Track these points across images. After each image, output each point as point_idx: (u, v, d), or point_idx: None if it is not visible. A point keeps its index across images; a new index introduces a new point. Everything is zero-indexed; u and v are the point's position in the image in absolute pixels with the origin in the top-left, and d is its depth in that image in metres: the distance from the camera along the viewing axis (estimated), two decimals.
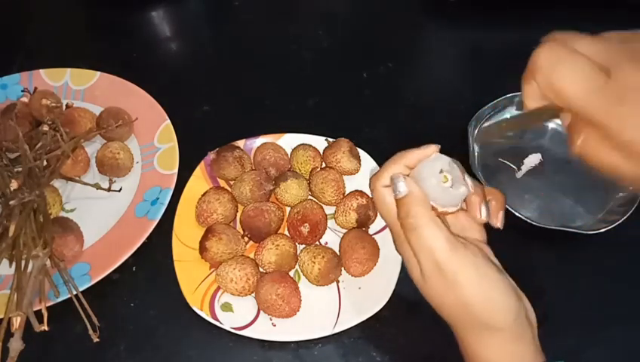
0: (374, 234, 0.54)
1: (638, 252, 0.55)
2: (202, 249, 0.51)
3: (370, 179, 0.38)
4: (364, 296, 0.50)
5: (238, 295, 0.49)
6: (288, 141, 0.59)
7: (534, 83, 0.29)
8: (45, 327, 0.44)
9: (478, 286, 0.33)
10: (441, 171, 0.35)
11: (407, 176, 0.36)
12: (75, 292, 0.48)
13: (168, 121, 0.61)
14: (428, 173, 0.35)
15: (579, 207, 0.56)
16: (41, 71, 0.66)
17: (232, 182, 0.57)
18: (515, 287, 0.35)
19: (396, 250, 0.38)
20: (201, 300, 0.49)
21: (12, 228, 0.49)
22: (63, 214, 0.56)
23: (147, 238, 0.53)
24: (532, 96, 0.30)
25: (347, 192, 0.56)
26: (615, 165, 0.28)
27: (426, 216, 0.34)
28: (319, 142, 0.59)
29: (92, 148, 0.60)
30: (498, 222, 0.37)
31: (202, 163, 0.58)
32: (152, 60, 0.72)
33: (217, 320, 0.48)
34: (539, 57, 0.29)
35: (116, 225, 0.55)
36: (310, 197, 0.56)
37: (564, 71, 0.28)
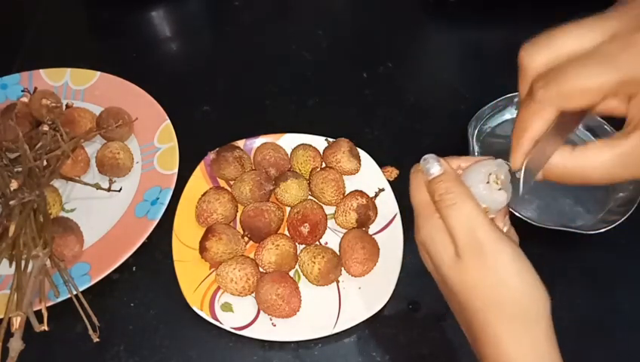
0: (374, 234, 0.54)
1: (638, 252, 0.55)
2: (202, 249, 0.51)
3: (413, 168, 0.36)
4: (364, 296, 0.50)
5: (238, 295, 0.49)
6: (288, 141, 0.59)
7: (544, 116, 0.28)
8: (45, 327, 0.44)
9: (517, 269, 0.31)
10: (491, 174, 0.34)
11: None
12: (75, 292, 0.48)
13: (168, 121, 0.61)
14: (477, 176, 0.34)
15: (579, 207, 0.56)
16: (41, 71, 0.66)
17: (232, 182, 0.57)
18: None
19: (421, 235, 0.34)
20: (201, 300, 0.49)
21: (12, 228, 0.49)
22: (63, 214, 0.56)
23: (147, 238, 0.53)
24: (539, 133, 0.29)
25: (347, 192, 0.56)
26: None
27: (466, 193, 0.32)
28: (319, 142, 0.59)
29: (92, 148, 0.60)
30: (505, 226, 0.36)
31: (202, 163, 0.58)
32: (152, 60, 0.72)
33: (217, 320, 0.48)
34: (531, 63, 0.28)
35: (116, 225, 0.55)
36: (310, 197, 0.56)
37: (574, 67, 0.26)
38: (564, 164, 0.29)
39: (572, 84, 0.26)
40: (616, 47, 0.25)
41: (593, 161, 0.28)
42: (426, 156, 0.34)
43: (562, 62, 0.27)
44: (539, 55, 0.28)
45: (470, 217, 0.31)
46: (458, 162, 0.35)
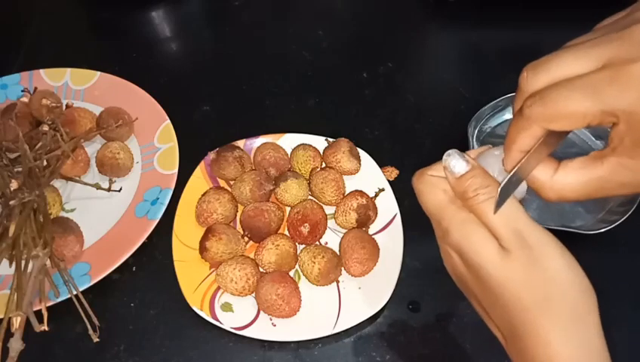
0: (374, 234, 0.54)
1: (638, 252, 0.55)
2: (202, 249, 0.51)
3: (415, 175, 0.34)
4: (364, 296, 0.50)
5: (238, 295, 0.49)
6: (288, 141, 0.59)
7: (532, 133, 0.29)
8: (45, 327, 0.44)
9: (565, 264, 0.30)
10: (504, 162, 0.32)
11: None
12: (75, 292, 0.48)
13: (168, 121, 0.61)
14: (494, 163, 0.33)
15: (579, 207, 0.56)
16: (41, 71, 0.66)
17: (232, 182, 0.57)
18: None
19: (449, 240, 0.32)
20: (201, 300, 0.49)
21: (12, 228, 0.49)
22: (63, 214, 0.56)
23: (147, 238, 0.53)
24: (526, 147, 0.30)
25: (347, 192, 0.56)
26: None
27: (499, 187, 0.30)
28: (319, 142, 0.59)
29: (92, 148, 0.60)
30: None
31: (202, 163, 0.58)
32: (152, 60, 0.72)
33: (217, 320, 0.48)
34: (533, 112, 0.28)
35: (116, 225, 0.55)
36: (310, 197, 0.56)
37: (559, 92, 0.27)
38: (544, 183, 0.31)
39: (556, 108, 0.27)
40: (603, 77, 0.26)
41: (571, 182, 0.29)
42: (449, 152, 0.32)
43: (553, 84, 0.27)
44: (536, 77, 0.28)
45: (512, 210, 0.30)
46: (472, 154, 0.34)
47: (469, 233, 0.31)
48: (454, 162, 0.32)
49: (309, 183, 0.56)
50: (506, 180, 0.31)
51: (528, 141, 0.30)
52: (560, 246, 0.30)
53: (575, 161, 0.29)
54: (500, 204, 0.31)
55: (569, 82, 0.27)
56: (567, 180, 0.30)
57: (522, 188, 0.33)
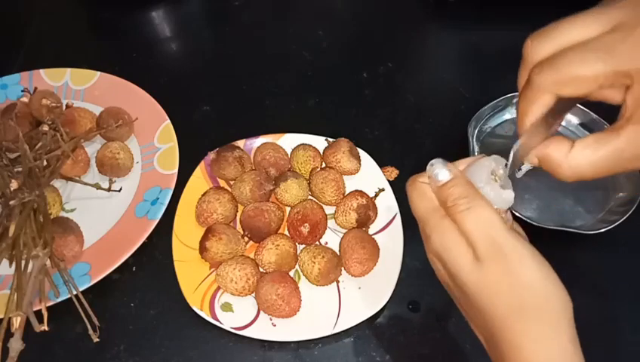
0: (374, 234, 0.54)
1: (638, 252, 0.55)
2: (202, 249, 0.51)
3: (408, 181, 0.35)
4: (364, 296, 0.50)
5: (238, 295, 0.49)
6: (288, 141, 0.59)
7: (542, 102, 0.29)
8: (45, 327, 0.44)
9: (539, 270, 0.30)
10: (493, 172, 0.33)
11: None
12: (75, 292, 0.48)
13: (168, 121, 0.61)
14: (482, 176, 0.33)
15: (579, 207, 0.56)
16: (41, 71, 0.66)
17: (232, 182, 0.57)
18: None
19: (431, 245, 0.33)
20: (201, 300, 0.49)
21: (12, 228, 0.49)
22: (63, 214, 0.56)
23: (147, 238, 0.53)
24: (538, 116, 0.29)
25: (347, 192, 0.56)
26: None
27: (479, 196, 0.31)
28: (319, 142, 0.59)
29: (92, 148, 0.60)
30: (508, 222, 0.35)
31: (202, 163, 0.58)
32: (152, 60, 0.72)
33: (217, 320, 0.48)
34: (541, 79, 0.28)
35: (116, 225, 0.55)
36: (310, 197, 0.56)
37: (570, 56, 0.26)
38: (560, 161, 0.29)
39: (567, 72, 0.26)
40: (615, 38, 0.25)
41: (587, 157, 0.28)
42: (432, 161, 0.33)
43: (562, 50, 0.27)
44: (541, 45, 0.28)
45: (488, 221, 0.30)
46: (463, 162, 0.35)
47: (447, 242, 0.32)
48: (437, 171, 0.33)
49: (309, 183, 0.56)
50: (511, 159, 0.31)
51: (540, 111, 0.29)
52: (536, 256, 0.30)
53: (590, 137, 0.28)
54: (511, 170, 0.31)
55: (580, 45, 0.26)
56: (583, 156, 0.29)
57: (509, 197, 0.33)
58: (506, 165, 0.33)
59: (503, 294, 0.30)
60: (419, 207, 0.34)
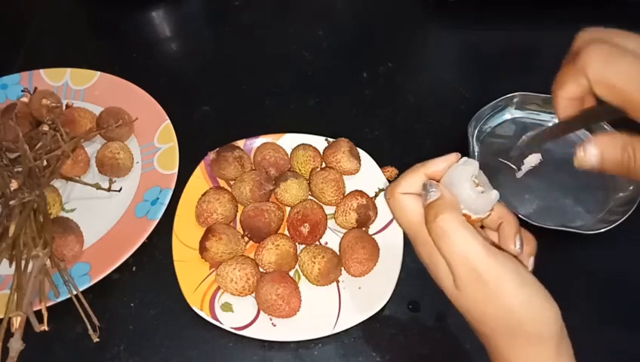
0: (374, 234, 0.54)
1: (638, 252, 0.55)
2: (202, 249, 0.51)
3: (386, 190, 0.35)
4: (364, 296, 0.50)
5: (238, 295, 0.49)
6: (288, 141, 0.59)
7: (579, 81, 0.29)
8: (45, 327, 0.44)
9: (522, 293, 0.30)
10: (472, 176, 0.33)
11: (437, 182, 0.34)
12: (75, 292, 0.48)
13: (168, 121, 0.61)
14: (460, 178, 0.33)
15: (579, 207, 0.56)
16: (41, 71, 0.66)
17: (232, 182, 0.57)
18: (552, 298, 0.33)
19: (422, 259, 0.34)
20: (201, 300, 0.49)
21: (12, 228, 0.49)
22: (63, 214, 0.56)
23: (147, 238, 0.53)
24: (572, 94, 0.29)
25: (347, 192, 0.56)
26: None
27: (456, 220, 0.31)
28: (319, 142, 0.59)
29: (92, 148, 0.60)
30: (515, 247, 0.35)
31: (202, 163, 0.58)
32: (152, 60, 0.72)
33: (217, 320, 0.48)
34: (590, 53, 0.28)
35: (116, 225, 0.55)
36: (310, 197, 0.56)
37: (619, 66, 0.27)
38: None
39: (620, 68, 0.27)
40: None
41: None
42: (425, 183, 0.33)
43: (623, 49, 0.27)
44: (599, 36, 0.29)
45: (462, 246, 0.30)
46: (433, 167, 0.34)
47: (435, 261, 0.32)
48: (427, 190, 0.33)
49: (309, 183, 0.56)
50: (519, 145, 0.31)
51: (574, 89, 0.29)
52: (519, 279, 0.30)
53: None
54: (529, 145, 0.31)
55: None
56: None
57: (492, 199, 0.33)
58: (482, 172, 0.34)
59: (485, 317, 0.31)
60: (403, 222, 0.34)
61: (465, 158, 0.34)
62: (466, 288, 0.31)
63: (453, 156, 0.34)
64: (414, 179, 0.34)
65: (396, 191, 0.34)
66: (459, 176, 0.33)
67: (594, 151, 0.28)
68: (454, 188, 0.33)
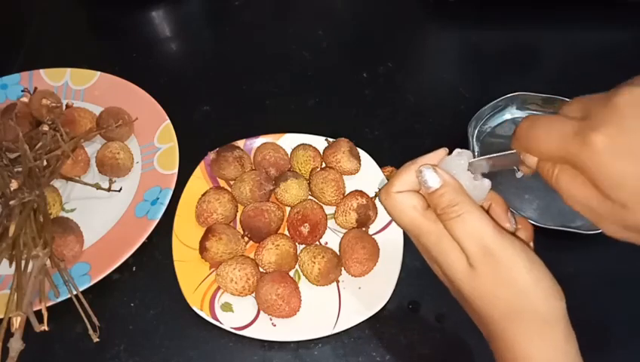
0: (374, 234, 0.54)
1: (638, 252, 0.55)
2: (202, 249, 0.51)
3: (380, 191, 0.36)
4: (364, 296, 0.50)
5: (238, 295, 0.49)
6: (288, 141, 0.59)
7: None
8: (45, 327, 0.44)
9: (531, 272, 0.31)
10: (467, 166, 0.34)
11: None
12: (75, 292, 0.48)
13: (168, 121, 0.61)
14: (457, 169, 0.34)
15: None
16: (41, 71, 0.66)
17: (232, 182, 0.57)
18: None
19: (427, 249, 0.34)
20: (201, 300, 0.49)
21: (12, 228, 0.49)
22: (63, 214, 0.56)
23: (147, 238, 0.53)
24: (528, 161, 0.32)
25: (347, 192, 0.56)
26: (587, 201, 0.28)
27: (471, 203, 0.32)
28: (319, 142, 0.59)
29: (92, 148, 0.60)
30: (510, 224, 0.36)
31: (202, 163, 0.58)
32: (152, 60, 0.72)
33: (217, 320, 0.48)
34: (518, 128, 0.31)
35: (116, 225, 0.55)
36: (310, 197, 0.56)
37: (536, 131, 0.29)
38: None
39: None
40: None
41: None
42: (421, 168, 0.34)
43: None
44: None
45: (479, 227, 0.31)
46: (428, 161, 0.35)
47: (442, 249, 0.33)
48: (427, 177, 0.33)
49: (309, 183, 0.56)
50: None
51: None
52: (528, 258, 0.31)
53: None
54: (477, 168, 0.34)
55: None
56: None
57: (485, 187, 0.34)
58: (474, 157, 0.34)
59: (497, 299, 0.31)
60: (404, 220, 0.34)
61: (457, 150, 0.35)
62: (481, 266, 0.31)
63: (441, 151, 0.35)
64: (407, 177, 0.34)
65: (391, 190, 0.34)
66: (456, 167, 0.34)
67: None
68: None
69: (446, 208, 0.32)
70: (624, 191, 0.26)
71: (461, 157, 0.34)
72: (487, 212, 0.36)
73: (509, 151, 0.33)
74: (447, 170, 0.34)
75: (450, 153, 0.35)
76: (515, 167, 0.35)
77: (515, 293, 0.31)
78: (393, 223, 0.54)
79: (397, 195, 0.34)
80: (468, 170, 0.34)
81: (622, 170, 0.26)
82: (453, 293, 0.35)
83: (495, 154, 0.34)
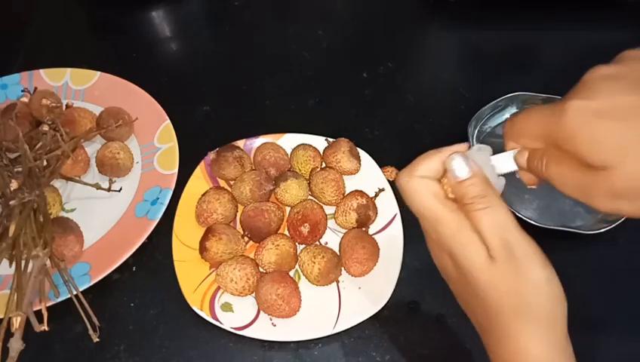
0: (374, 234, 0.54)
1: (638, 252, 0.55)
2: (202, 249, 0.51)
3: (400, 174, 0.35)
4: (364, 296, 0.50)
5: (238, 295, 0.49)
6: (288, 141, 0.59)
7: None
8: (45, 327, 0.44)
9: (545, 274, 0.31)
10: (491, 161, 0.35)
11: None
12: (75, 292, 0.48)
13: (168, 121, 0.61)
14: (483, 163, 0.34)
15: (579, 207, 0.56)
16: (41, 71, 0.66)
17: (232, 182, 0.57)
18: None
19: (442, 241, 0.33)
20: (201, 300, 0.49)
21: (12, 228, 0.49)
22: (63, 214, 0.56)
23: (147, 238, 0.53)
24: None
25: (347, 192, 0.56)
26: (575, 179, 0.30)
27: (498, 197, 0.33)
28: (319, 142, 0.59)
29: (92, 148, 0.60)
30: None
31: (202, 163, 0.58)
32: (152, 60, 0.72)
33: (217, 320, 0.48)
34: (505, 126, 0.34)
35: (116, 225, 0.55)
36: (310, 197, 0.56)
37: (518, 121, 0.33)
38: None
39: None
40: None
41: None
42: (453, 155, 0.33)
43: None
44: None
45: (504, 222, 0.32)
46: (448, 154, 0.35)
47: (462, 239, 0.33)
48: (457, 166, 0.33)
49: (309, 183, 0.56)
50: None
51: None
52: (542, 259, 0.32)
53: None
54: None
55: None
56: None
57: (501, 187, 0.34)
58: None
59: (511, 294, 0.32)
60: (423, 205, 0.34)
61: (478, 145, 0.35)
62: (501, 259, 0.31)
63: (462, 145, 0.35)
64: (431, 163, 0.34)
65: (414, 174, 0.34)
66: (481, 161, 0.34)
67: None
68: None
69: (475, 198, 0.32)
70: (602, 150, 0.28)
71: (484, 152, 0.34)
72: None
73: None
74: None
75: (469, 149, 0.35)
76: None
77: (527, 290, 0.31)
78: (393, 223, 0.54)
79: (419, 180, 0.34)
80: (492, 165, 0.34)
81: (597, 130, 0.28)
82: (458, 285, 0.35)
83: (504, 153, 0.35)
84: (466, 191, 0.33)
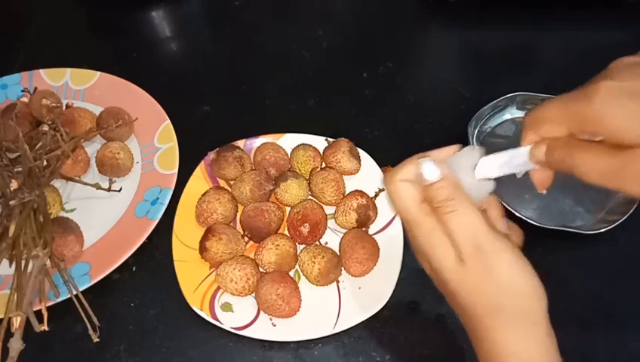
0: (374, 234, 0.54)
1: (638, 252, 0.55)
2: (202, 249, 0.51)
3: (385, 176, 0.36)
4: (364, 296, 0.50)
5: (238, 295, 0.49)
6: (288, 141, 0.59)
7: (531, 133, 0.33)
8: (45, 327, 0.44)
9: (517, 270, 0.32)
10: (474, 164, 0.34)
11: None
12: (75, 292, 0.48)
13: (168, 121, 0.61)
14: (462, 165, 0.34)
15: (579, 207, 0.56)
16: (41, 71, 0.66)
17: (232, 182, 0.57)
18: None
19: (417, 242, 0.34)
20: (201, 300, 0.49)
21: (12, 228, 0.49)
22: (63, 214, 0.56)
23: (147, 238, 0.53)
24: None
25: (347, 192, 0.56)
26: (605, 163, 0.28)
27: (467, 200, 0.33)
28: (319, 142, 0.59)
29: (92, 148, 0.60)
30: (503, 228, 0.36)
31: (202, 163, 0.58)
32: (152, 60, 0.72)
33: (217, 320, 0.48)
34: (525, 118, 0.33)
35: (116, 225, 0.55)
36: (310, 197, 0.56)
37: (541, 109, 0.31)
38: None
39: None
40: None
41: None
42: (421, 160, 0.34)
43: None
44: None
45: (472, 223, 0.32)
46: (439, 155, 0.35)
47: (433, 241, 0.33)
48: (426, 170, 0.34)
49: (309, 183, 0.56)
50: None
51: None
52: (514, 256, 0.32)
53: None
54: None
55: None
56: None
57: (487, 188, 0.34)
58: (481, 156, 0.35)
59: (483, 294, 0.32)
60: (401, 207, 0.35)
61: (471, 146, 0.35)
62: (470, 261, 0.32)
63: (454, 147, 0.36)
64: (412, 167, 0.35)
65: (396, 177, 0.35)
66: (462, 162, 0.34)
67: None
68: (457, 174, 0.34)
69: (442, 202, 0.33)
70: (636, 129, 0.27)
71: (470, 154, 0.34)
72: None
73: (518, 148, 0.33)
74: (452, 165, 0.34)
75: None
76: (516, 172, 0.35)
77: (499, 289, 0.32)
78: (393, 223, 0.54)
79: (399, 183, 0.35)
80: (478, 167, 0.34)
81: (629, 109, 0.27)
82: (440, 288, 0.36)
83: (505, 151, 0.34)
84: (435, 194, 0.33)
